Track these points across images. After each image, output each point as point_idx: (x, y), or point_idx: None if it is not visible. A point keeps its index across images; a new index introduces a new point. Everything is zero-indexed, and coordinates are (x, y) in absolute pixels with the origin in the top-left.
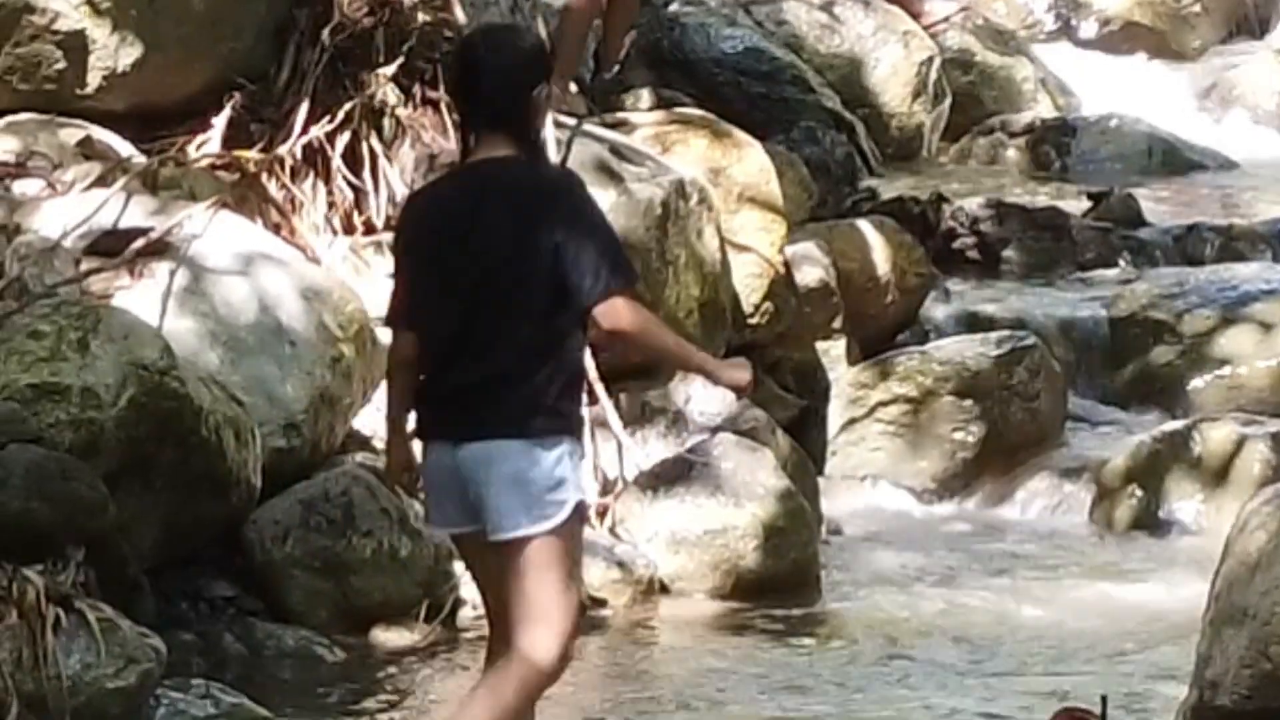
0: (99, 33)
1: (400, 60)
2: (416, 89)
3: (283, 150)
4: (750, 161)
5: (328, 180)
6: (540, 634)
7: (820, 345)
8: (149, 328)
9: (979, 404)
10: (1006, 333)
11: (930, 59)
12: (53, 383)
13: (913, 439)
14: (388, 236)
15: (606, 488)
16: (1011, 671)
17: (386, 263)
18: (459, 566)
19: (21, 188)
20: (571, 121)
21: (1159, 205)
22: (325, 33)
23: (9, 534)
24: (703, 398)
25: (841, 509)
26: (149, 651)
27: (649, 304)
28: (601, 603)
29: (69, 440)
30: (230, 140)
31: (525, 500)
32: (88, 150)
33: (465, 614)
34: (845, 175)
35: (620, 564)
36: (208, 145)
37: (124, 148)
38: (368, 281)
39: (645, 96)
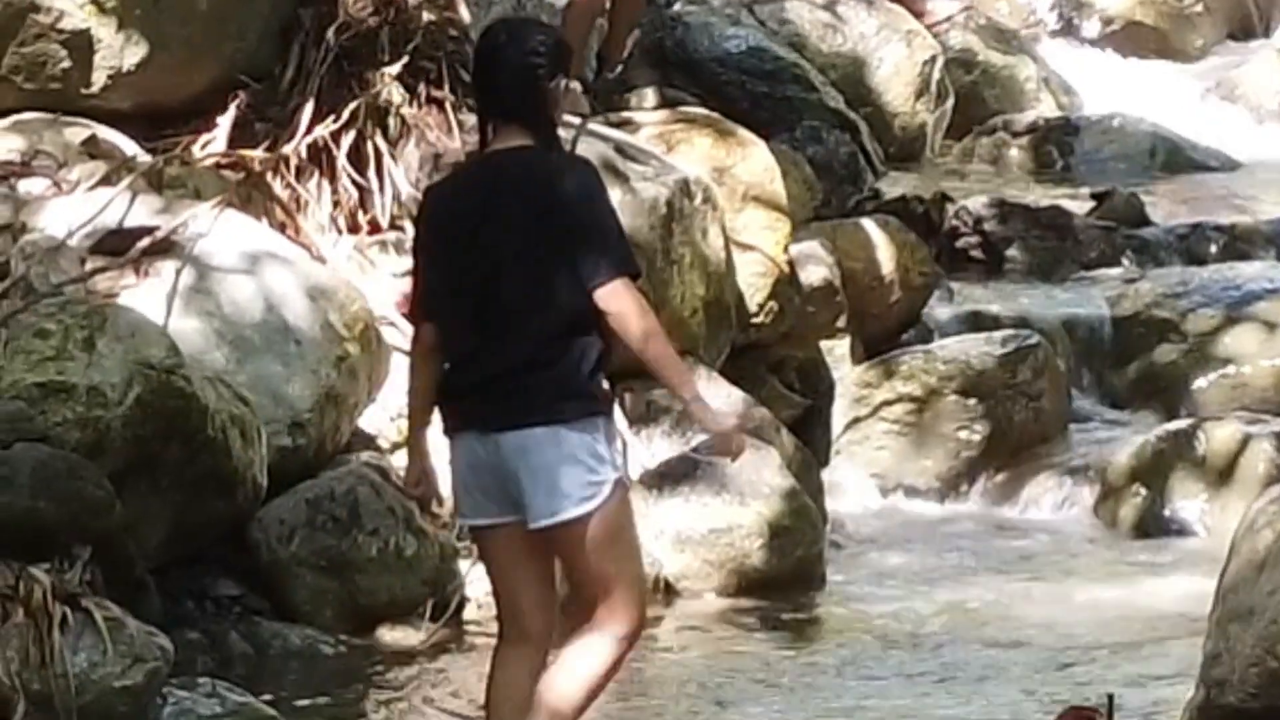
0: (104, 32)
1: (405, 59)
2: (421, 88)
3: (288, 149)
4: (755, 161)
5: (333, 179)
6: (614, 606)
7: (824, 344)
8: (155, 327)
9: (983, 403)
10: (1010, 332)
11: (933, 58)
12: (59, 381)
13: (917, 438)
14: (393, 235)
15: None
16: (1017, 671)
17: (392, 262)
18: (465, 565)
19: (27, 187)
20: (576, 121)
21: (1162, 204)
22: (330, 32)
23: (16, 533)
24: (707, 397)
25: (846, 508)
26: (156, 650)
27: (653, 303)
28: None
29: (75, 439)
30: (235, 139)
31: (566, 485)
32: (93, 149)
33: (471, 613)
34: (849, 174)
35: None
36: (213, 144)
37: (129, 147)
38: (373, 280)
39: (650, 96)
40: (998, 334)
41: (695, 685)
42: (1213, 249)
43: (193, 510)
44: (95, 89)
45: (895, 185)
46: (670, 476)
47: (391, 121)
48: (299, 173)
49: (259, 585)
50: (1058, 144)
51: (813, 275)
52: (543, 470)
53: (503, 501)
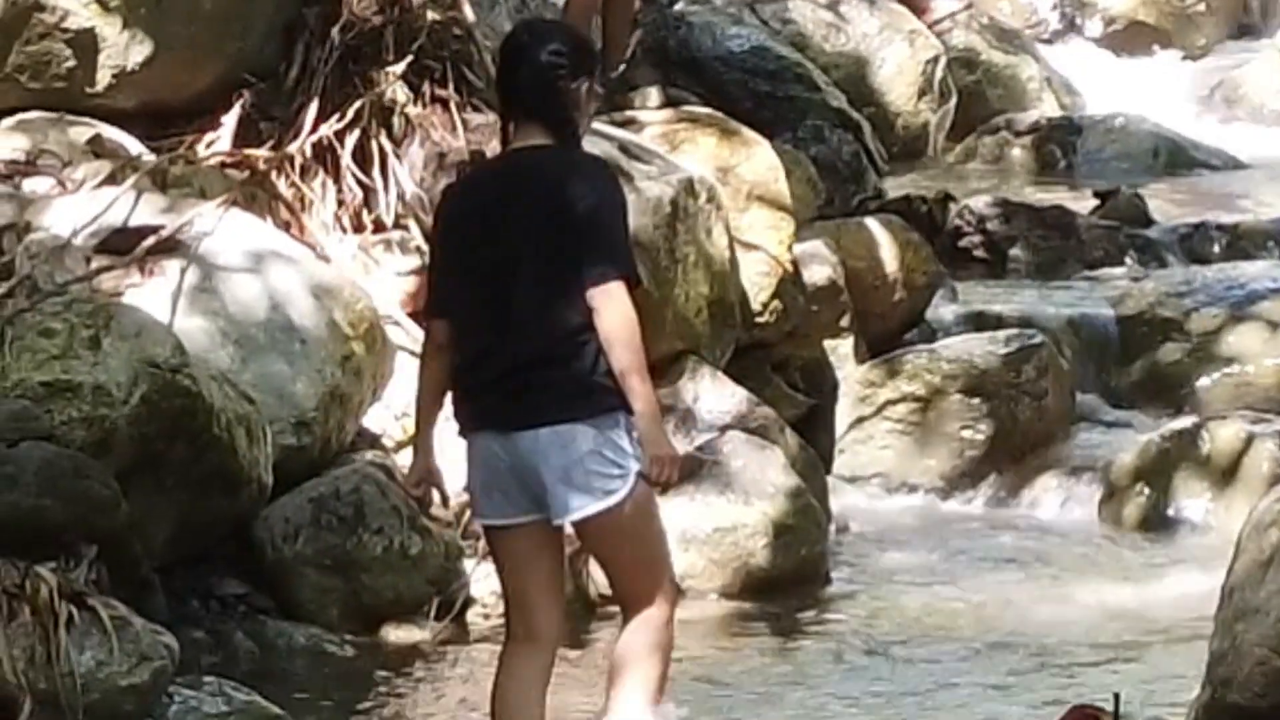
0: (108, 31)
1: (410, 58)
2: (426, 87)
3: (292, 148)
4: (759, 160)
5: (337, 178)
6: (652, 596)
7: (828, 344)
8: (160, 325)
9: (987, 402)
10: (1014, 331)
11: (936, 58)
12: (65, 380)
13: (921, 437)
14: (397, 235)
15: None
16: (1023, 669)
17: (396, 261)
18: (470, 564)
19: (32, 186)
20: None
21: (1165, 204)
22: (334, 31)
23: (21, 531)
24: (711, 396)
25: (850, 507)
26: (161, 649)
27: (657, 301)
28: (610, 599)
29: (81, 438)
30: (240, 138)
31: (590, 481)
32: (97, 148)
33: (476, 612)
34: (852, 174)
35: None
36: (217, 143)
37: (134, 146)
38: (377, 279)
39: (653, 95)
40: (1001, 333)
41: (698, 684)
42: (1216, 248)
43: (198, 509)
44: (100, 88)
45: (898, 185)
46: None
47: (396, 121)
48: (303, 172)
49: (264, 584)
50: (1060, 143)
51: (816, 275)
52: (564, 468)
53: (523, 501)
